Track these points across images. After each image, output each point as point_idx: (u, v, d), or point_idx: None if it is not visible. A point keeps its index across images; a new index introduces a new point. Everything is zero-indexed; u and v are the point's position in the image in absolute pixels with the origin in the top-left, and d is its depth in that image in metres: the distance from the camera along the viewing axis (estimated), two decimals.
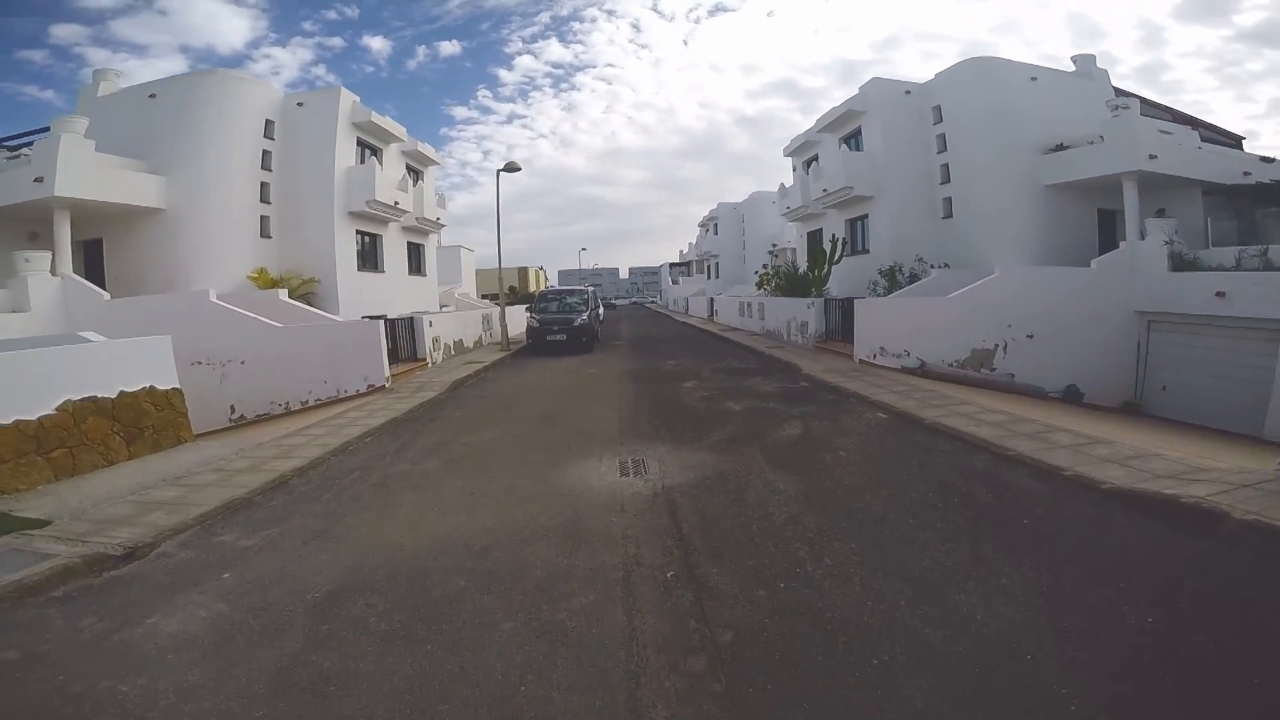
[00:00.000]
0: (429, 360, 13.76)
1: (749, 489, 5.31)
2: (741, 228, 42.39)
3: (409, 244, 21.24)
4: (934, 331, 11.65)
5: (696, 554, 4.12)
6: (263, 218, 16.63)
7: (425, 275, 22.46)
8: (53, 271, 12.83)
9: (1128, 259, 12.48)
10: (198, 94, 15.90)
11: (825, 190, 19.67)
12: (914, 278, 16.59)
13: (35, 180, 12.91)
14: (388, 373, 11.41)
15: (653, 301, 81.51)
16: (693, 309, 37.08)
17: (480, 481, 5.80)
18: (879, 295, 15.97)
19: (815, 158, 23.02)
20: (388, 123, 19.14)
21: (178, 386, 8.31)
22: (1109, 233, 16.28)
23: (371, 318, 13.93)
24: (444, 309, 23.89)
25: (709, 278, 48.54)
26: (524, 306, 19.63)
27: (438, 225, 22.15)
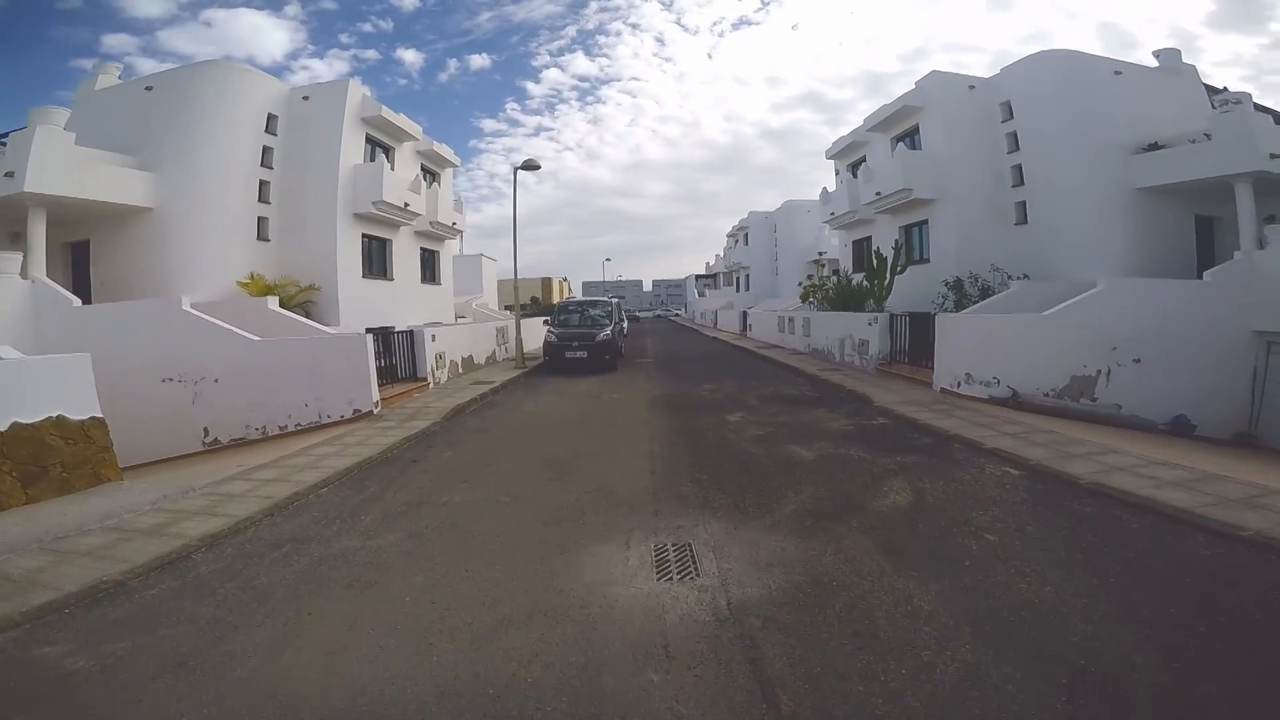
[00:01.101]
0: (431, 379, 12.02)
1: (874, 610, 3.33)
2: (774, 238, 40.36)
3: (422, 250, 19.70)
4: (1027, 355, 9.72)
5: None
6: (260, 219, 15.21)
7: (440, 284, 20.91)
8: (23, 274, 11.50)
9: (1244, 271, 10.60)
10: (195, 86, 14.62)
11: (878, 193, 17.65)
12: (986, 291, 14.51)
13: (5, 175, 11.66)
14: (376, 396, 9.69)
15: (677, 314, 79.60)
16: (722, 323, 35.01)
17: (450, 577, 3.90)
18: (947, 310, 13.95)
19: (863, 159, 21.08)
20: (400, 119, 17.70)
21: (98, 416, 6.63)
22: (1206, 241, 14.17)
23: (377, 330, 12.31)
24: (460, 320, 22.35)
25: (738, 290, 46.50)
26: (543, 319, 17.89)
27: (454, 230, 20.61)
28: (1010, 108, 16.10)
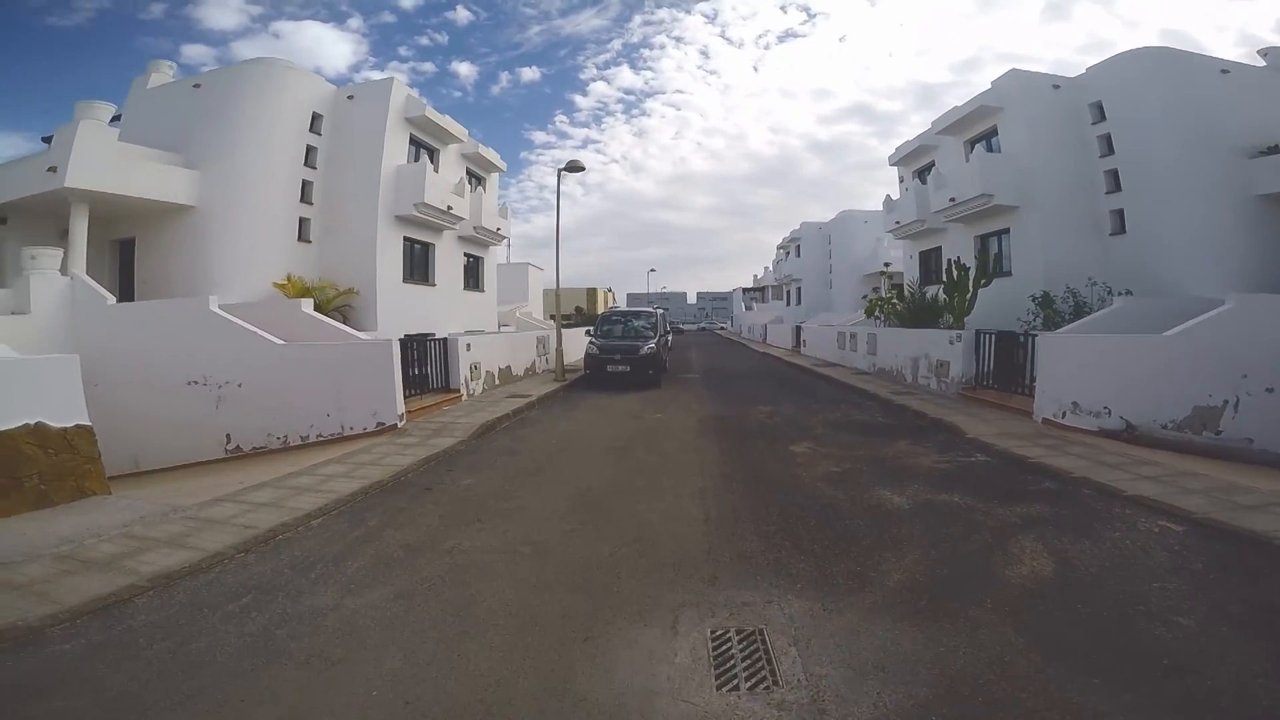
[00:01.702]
0: (464, 391, 11.20)
1: None
2: (828, 250, 38.67)
3: (466, 255, 19.20)
4: (1144, 381, 8.27)
5: None
6: (302, 219, 14.91)
7: (483, 291, 20.35)
8: (63, 271, 11.33)
9: None
10: (241, 84, 14.50)
11: (952, 200, 16.17)
12: (1081, 307, 12.89)
13: (48, 170, 11.57)
14: (401, 409, 8.89)
15: (722, 328, 78.02)
16: (773, 338, 33.50)
17: (438, 664, 2.87)
18: (1036, 329, 12.49)
19: (931, 165, 19.58)
20: (445, 120, 17.26)
21: (85, 423, 5.95)
22: None
23: (414, 337, 11.64)
24: (504, 329, 21.78)
25: (788, 304, 44.82)
26: (585, 329, 17.02)
27: (499, 236, 20.06)
28: (1102, 108, 14.63)
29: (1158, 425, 8.06)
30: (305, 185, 15.02)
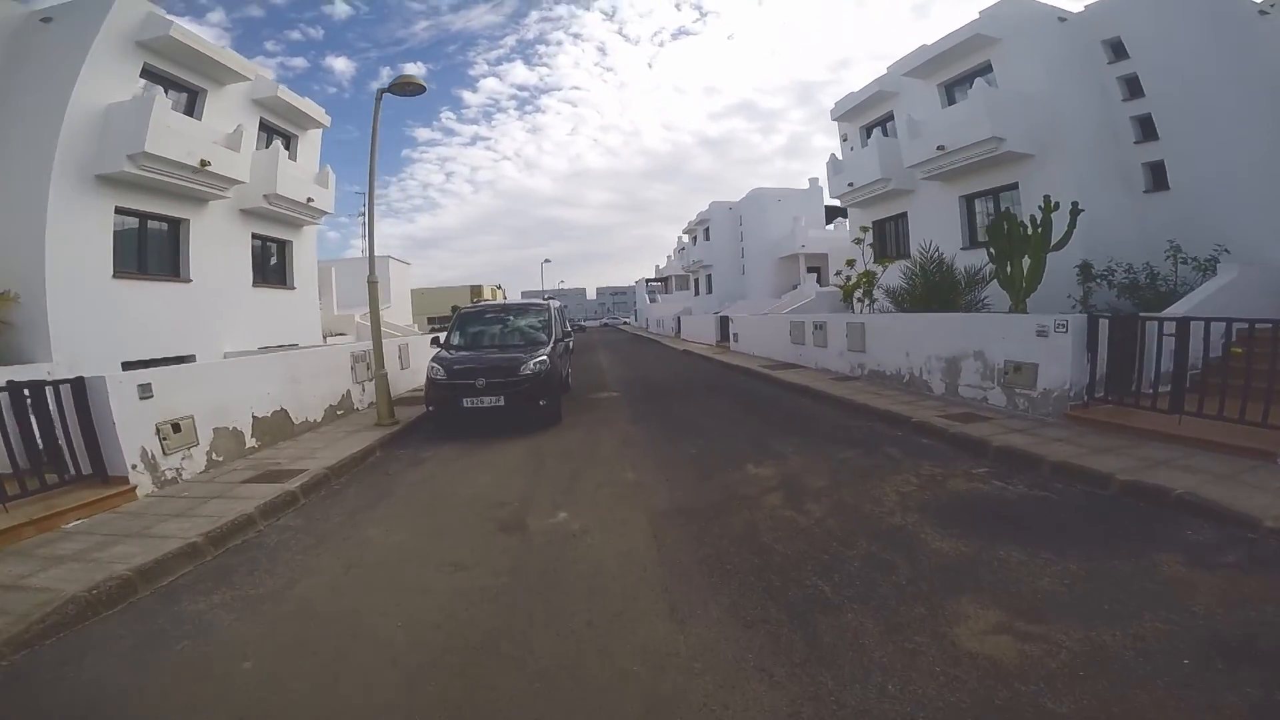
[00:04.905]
0: (145, 478, 5.42)
1: None
2: (739, 232, 35.19)
3: (256, 238, 13.09)
4: None
5: None
6: None
7: (293, 289, 14.26)
8: None
9: None
10: None
11: (941, 149, 12.42)
12: (1153, 280, 9.59)
13: None
14: None
15: (626, 322, 73.39)
16: (689, 332, 28.91)
17: None
18: (1080, 311, 8.92)
19: (888, 116, 15.94)
20: (215, 49, 11.27)
21: None
22: None
23: (137, 364, 5.77)
24: (335, 339, 15.84)
25: (697, 293, 41.12)
26: (433, 338, 11.08)
27: (312, 210, 14.00)
28: (1122, 47, 11.65)
29: None
30: None
